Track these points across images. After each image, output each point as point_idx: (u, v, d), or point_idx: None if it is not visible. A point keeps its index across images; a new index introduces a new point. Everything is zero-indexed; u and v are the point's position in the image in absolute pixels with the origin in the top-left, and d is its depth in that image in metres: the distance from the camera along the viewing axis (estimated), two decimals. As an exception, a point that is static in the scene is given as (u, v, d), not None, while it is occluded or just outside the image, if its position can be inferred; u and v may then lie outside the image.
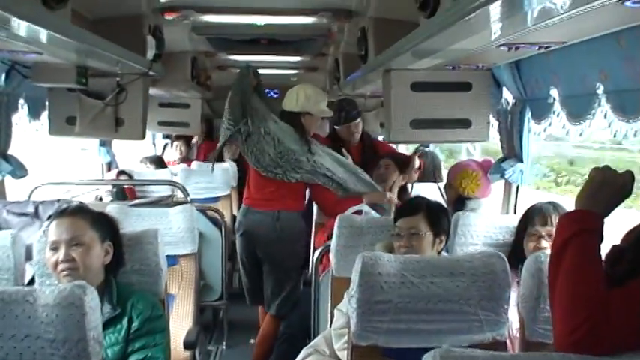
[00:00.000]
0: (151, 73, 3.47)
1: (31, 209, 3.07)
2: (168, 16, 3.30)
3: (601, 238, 1.46)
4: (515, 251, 2.60)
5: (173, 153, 6.62)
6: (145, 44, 3.30)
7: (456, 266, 1.89)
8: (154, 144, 7.10)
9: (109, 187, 4.92)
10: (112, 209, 3.16)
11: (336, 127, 4.24)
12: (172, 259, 3.18)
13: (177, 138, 6.63)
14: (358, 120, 4.20)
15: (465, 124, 3.18)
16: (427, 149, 4.78)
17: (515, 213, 3.33)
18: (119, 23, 3.23)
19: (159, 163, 6.05)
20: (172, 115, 5.96)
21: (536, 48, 2.20)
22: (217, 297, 4.43)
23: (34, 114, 3.53)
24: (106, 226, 2.20)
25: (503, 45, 2.14)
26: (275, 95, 7.69)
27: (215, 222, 4.47)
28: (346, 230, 2.68)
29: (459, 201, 3.48)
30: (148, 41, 3.31)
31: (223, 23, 3.68)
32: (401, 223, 2.43)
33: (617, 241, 1.53)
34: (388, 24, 3.18)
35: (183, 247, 3.18)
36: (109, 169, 5.38)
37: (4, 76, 3.07)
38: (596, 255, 1.43)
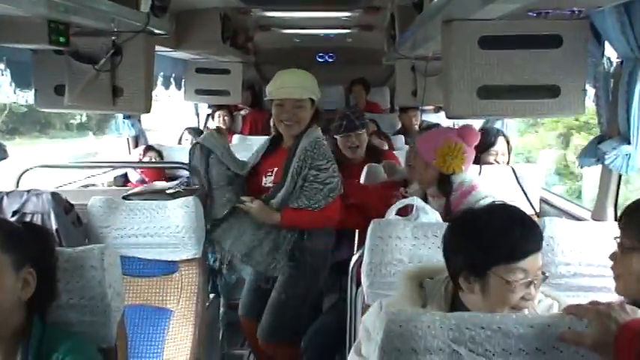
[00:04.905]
0: (151, 29, 2.79)
1: (-7, 202, 2.47)
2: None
3: None
4: None
5: (214, 124, 6.01)
6: (137, -8, 2.61)
7: (548, 334, 1.13)
8: (197, 114, 6.48)
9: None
10: (97, 202, 2.55)
11: (336, 137, 3.67)
12: (171, 266, 2.56)
13: (220, 107, 6.02)
14: (361, 131, 3.62)
15: (552, 91, 2.33)
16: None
17: (615, 215, 2.46)
18: None
19: (199, 135, 5.45)
20: (211, 82, 5.40)
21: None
22: None
23: (21, 82, 2.95)
24: (25, 245, 1.52)
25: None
26: (330, 60, 6.94)
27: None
28: (381, 242, 1.93)
29: (442, 180, 2.65)
30: (141, -13, 2.62)
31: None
32: (530, 263, 1.47)
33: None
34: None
35: (184, 251, 2.53)
36: (136, 145, 4.79)
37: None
38: None
